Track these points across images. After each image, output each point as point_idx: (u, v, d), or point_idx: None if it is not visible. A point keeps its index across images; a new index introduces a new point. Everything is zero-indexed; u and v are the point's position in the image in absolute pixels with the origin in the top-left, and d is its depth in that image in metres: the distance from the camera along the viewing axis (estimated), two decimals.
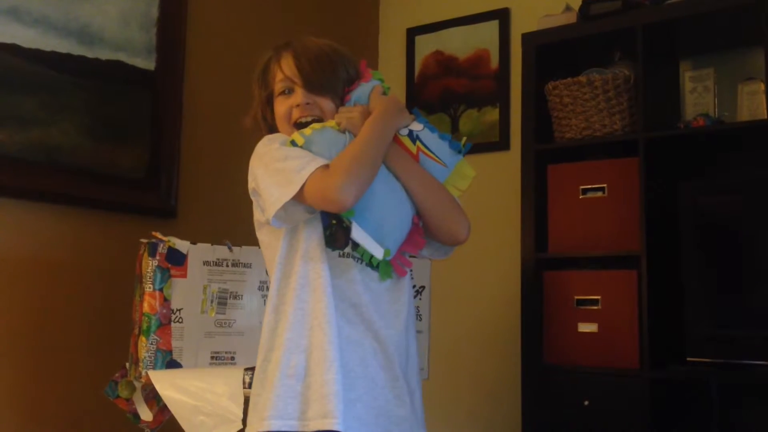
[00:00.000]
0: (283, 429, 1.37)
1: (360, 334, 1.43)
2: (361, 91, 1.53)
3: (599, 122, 2.44)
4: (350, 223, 1.38)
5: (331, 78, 1.51)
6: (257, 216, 1.50)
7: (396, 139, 1.50)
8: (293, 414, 1.38)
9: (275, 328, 1.44)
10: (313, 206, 1.40)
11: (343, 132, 1.44)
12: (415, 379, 1.53)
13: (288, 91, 1.51)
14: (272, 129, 1.58)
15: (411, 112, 1.57)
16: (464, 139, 1.59)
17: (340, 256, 1.44)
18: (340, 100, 1.52)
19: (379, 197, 1.42)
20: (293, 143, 1.41)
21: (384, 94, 1.54)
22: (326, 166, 1.39)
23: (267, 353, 1.45)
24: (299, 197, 1.38)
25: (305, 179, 1.37)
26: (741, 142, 2.37)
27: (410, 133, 1.52)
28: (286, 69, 1.51)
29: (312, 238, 1.44)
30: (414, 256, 1.52)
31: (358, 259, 1.45)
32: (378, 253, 1.40)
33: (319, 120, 1.50)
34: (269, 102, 1.56)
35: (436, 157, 1.52)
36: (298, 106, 1.50)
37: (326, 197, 1.36)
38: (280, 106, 1.52)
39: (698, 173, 2.45)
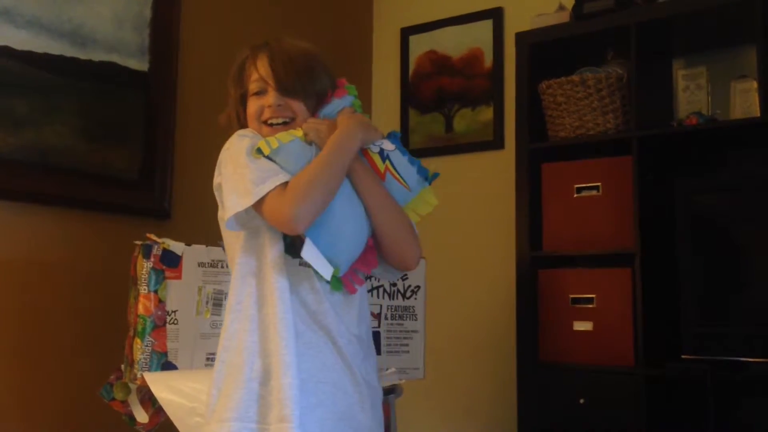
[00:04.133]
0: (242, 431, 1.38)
1: (320, 340, 1.43)
2: (333, 106, 1.54)
3: (593, 121, 2.45)
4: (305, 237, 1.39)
5: (304, 81, 1.51)
6: (220, 213, 1.50)
7: (366, 154, 1.50)
8: (253, 417, 1.38)
9: (236, 331, 1.44)
10: (267, 222, 1.41)
11: (310, 144, 1.44)
12: (375, 378, 1.54)
13: (261, 92, 1.51)
14: (244, 128, 1.57)
15: (390, 133, 1.57)
16: (431, 170, 1.60)
17: (300, 264, 1.43)
18: (314, 104, 1.53)
19: (337, 214, 1.42)
20: (259, 151, 1.41)
21: (356, 112, 1.55)
22: (285, 185, 1.38)
23: (225, 355, 1.45)
24: (256, 208, 1.39)
25: (261, 195, 1.37)
26: (734, 140, 2.38)
27: (381, 152, 1.52)
28: (261, 69, 1.51)
29: (273, 243, 1.44)
30: (369, 276, 1.53)
31: None
32: (326, 273, 1.40)
33: (291, 120, 1.51)
34: (243, 101, 1.56)
35: (402, 179, 1.52)
36: (269, 106, 1.50)
37: (279, 220, 1.38)
38: (252, 106, 1.52)
39: (692, 171, 2.46)
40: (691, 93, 2.52)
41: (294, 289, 1.43)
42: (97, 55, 2.31)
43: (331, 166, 1.40)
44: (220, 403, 1.42)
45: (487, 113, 3.05)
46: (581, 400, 2.30)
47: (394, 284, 2.28)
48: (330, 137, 1.44)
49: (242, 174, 1.40)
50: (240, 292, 1.45)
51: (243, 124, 1.57)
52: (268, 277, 1.42)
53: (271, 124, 1.50)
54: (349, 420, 1.44)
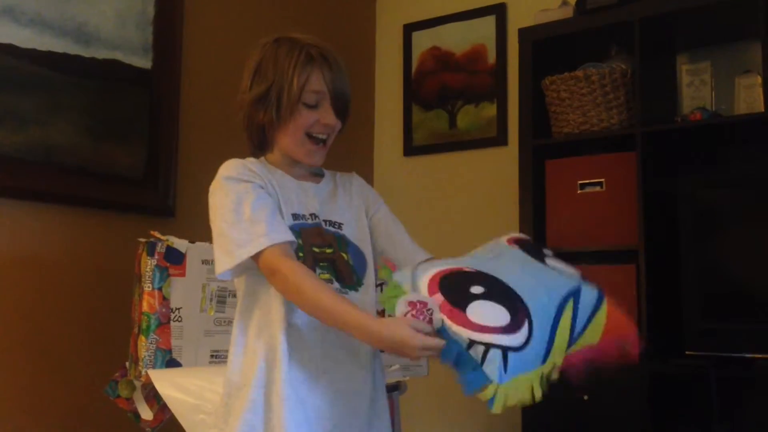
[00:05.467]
0: None
1: (323, 368, 1.42)
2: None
3: (596, 117, 2.44)
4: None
5: (349, 105, 1.50)
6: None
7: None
8: None
9: (242, 364, 1.42)
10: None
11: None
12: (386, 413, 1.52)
13: (316, 105, 1.45)
14: (257, 133, 1.51)
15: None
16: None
17: None
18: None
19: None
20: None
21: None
22: (285, 249, 1.34)
23: (231, 388, 1.43)
24: (253, 258, 1.36)
25: (244, 258, 1.34)
26: (738, 136, 2.37)
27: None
28: (323, 82, 1.44)
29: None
30: None
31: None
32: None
33: (329, 137, 1.48)
34: (262, 100, 1.46)
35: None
36: (326, 125, 1.45)
37: (269, 279, 1.36)
38: (305, 117, 1.44)
39: (696, 167, 2.45)
40: (695, 88, 2.51)
41: (291, 317, 1.40)
42: (101, 53, 2.32)
43: (335, 322, 1.31)
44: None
45: (490, 110, 3.05)
46: (584, 397, 2.30)
47: None
48: (375, 323, 1.28)
49: (227, 233, 1.37)
50: (245, 321, 1.44)
51: (257, 125, 1.48)
52: (271, 308, 1.41)
53: (316, 138, 1.47)
54: None
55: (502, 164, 2.92)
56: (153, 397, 1.97)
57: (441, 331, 1.20)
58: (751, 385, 2.16)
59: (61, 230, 2.22)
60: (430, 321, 1.21)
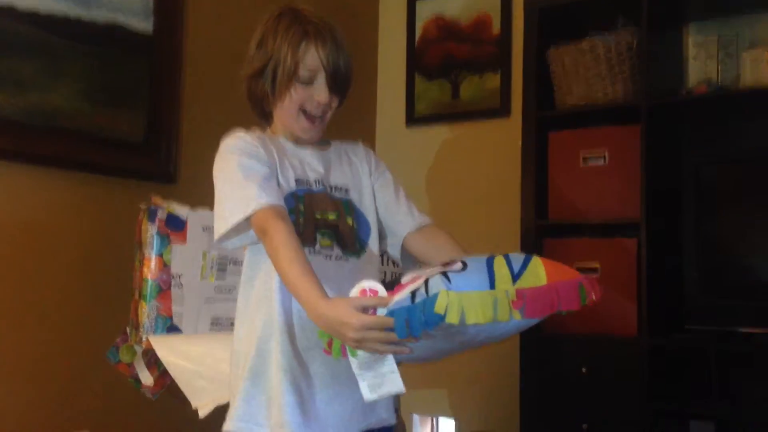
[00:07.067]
0: None
1: None
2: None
3: (601, 89, 2.42)
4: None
5: (349, 84, 1.49)
6: None
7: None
8: (259, 420, 1.38)
9: (243, 333, 1.43)
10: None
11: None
12: None
13: (310, 82, 1.44)
14: (257, 102, 1.51)
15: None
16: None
17: (310, 253, 1.39)
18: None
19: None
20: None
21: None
22: (276, 211, 1.34)
23: (234, 357, 1.44)
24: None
25: (235, 222, 1.35)
26: (744, 110, 2.35)
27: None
28: (317, 59, 1.43)
29: None
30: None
31: (328, 255, 1.42)
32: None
33: (325, 114, 1.47)
34: (262, 72, 1.46)
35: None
36: (320, 102, 1.45)
37: (259, 237, 1.36)
38: (299, 94, 1.44)
39: (701, 142, 2.44)
40: (701, 61, 2.48)
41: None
42: (101, 16, 2.28)
43: (294, 294, 1.30)
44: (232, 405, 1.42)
45: (494, 80, 3.02)
46: (583, 369, 2.31)
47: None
48: (322, 301, 1.24)
49: (222, 200, 1.39)
50: (247, 290, 1.44)
51: (256, 98, 1.50)
52: (272, 277, 1.39)
53: (311, 115, 1.46)
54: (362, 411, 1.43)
55: (504, 136, 2.90)
56: (154, 363, 1.97)
57: (389, 314, 1.17)
58: (750, 360, 2.18)
59: (60, 194, 2.21)
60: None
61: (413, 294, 1.15)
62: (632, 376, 2.23)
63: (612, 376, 2.28)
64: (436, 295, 1.12)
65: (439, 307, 1.11)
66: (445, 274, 1.15)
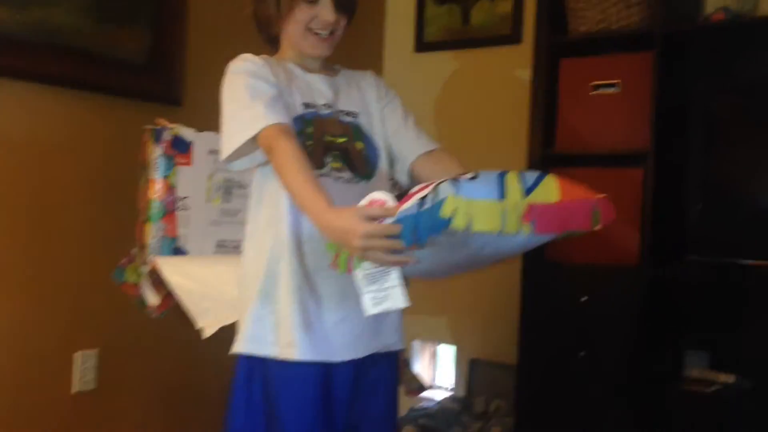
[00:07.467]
0: (256, 353, 1.40)
1: None
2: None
3: (616, 14, 2.36)
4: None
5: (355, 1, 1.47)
6: None
7: None
8: (268, 340, 1.39)
9: (251, 256, 1.44)
10: None
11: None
12: None
13: (314, 0, 1.42)
14: (265, 26, 1.50)
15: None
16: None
17: (319, 175, 1.38)
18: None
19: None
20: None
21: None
22: (282, 129, 1.33)
23: (243, 279, 1.45)
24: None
25: (242, 141, 1.35)
26: (759, 39, 2.30)
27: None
28: None
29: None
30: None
31: (338, 177, 1.42)
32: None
33: (333, 32, 1.45)
34: None
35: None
36: (325, 21, 1.42)
37: (270, 161, 1.35)
38: (303, 13, 1.42)
39: (713, 72, 2.39)
40: None
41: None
42: None
43: (302, 206, 1.28)
44: (240, 325, 1.44)
45: (505, 5, 2.95)
46: (583, 298, 2.33)
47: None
48: (329, 211, 1.23)
49: (228, 121, 1.39)
50: (256, 215, 1.44)
51: (263, 20, 1.49)
52: (280, 200, 1.40)
53: (318, 34, 1.44)
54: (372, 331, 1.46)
55: (515, 63, 2.86)
56: (159, 283, 1.99)
57: (396, 222, 1.15)
58: (751, 292, 2.18)
59: (63, 113, 2.20)
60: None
61: (422, 200, 1.13)
62: (631, 305, 2.24)
63: (611, 305, 2.30)
64: (443, 200, 1.10)
65: (445, 212, 1.09)
66: (455, 180, 1.13)
